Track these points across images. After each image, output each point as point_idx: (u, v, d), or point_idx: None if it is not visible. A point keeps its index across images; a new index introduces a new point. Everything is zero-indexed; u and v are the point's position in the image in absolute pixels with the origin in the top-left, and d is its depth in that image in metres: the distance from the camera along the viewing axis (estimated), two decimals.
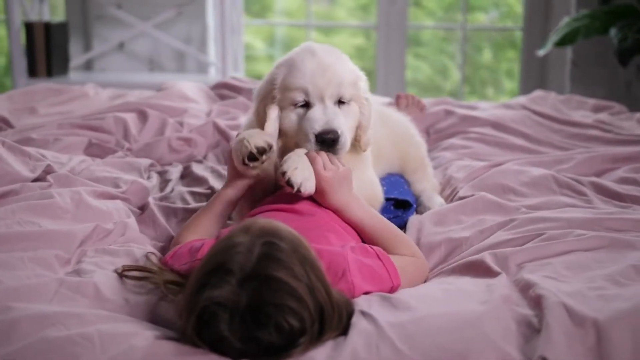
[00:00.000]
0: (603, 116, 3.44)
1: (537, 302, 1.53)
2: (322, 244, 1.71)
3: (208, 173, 2.64)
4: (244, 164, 1.90)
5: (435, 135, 3.23)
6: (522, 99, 3.75)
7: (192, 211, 2.24)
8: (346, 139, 1.98)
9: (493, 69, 6.44)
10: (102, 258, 1.80)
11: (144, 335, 1.42)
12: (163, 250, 2.03)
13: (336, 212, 1.92)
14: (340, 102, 2.01)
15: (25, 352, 1.35)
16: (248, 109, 3.26)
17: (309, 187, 1.87)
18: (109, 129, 2.87)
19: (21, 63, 5.18)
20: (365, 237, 1.93)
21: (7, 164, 2.13)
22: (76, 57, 5.61)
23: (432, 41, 6.44)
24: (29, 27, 5.17)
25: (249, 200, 2.07)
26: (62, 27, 5.37)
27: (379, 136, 2.25)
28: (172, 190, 2.48)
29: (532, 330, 1.46)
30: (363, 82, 2.09)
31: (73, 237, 1.84)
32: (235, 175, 1.99)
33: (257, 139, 1.91)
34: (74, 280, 1.63)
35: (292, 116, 2.01)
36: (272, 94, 2.03)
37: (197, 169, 2.69)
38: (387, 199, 2.29)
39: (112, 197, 2.18)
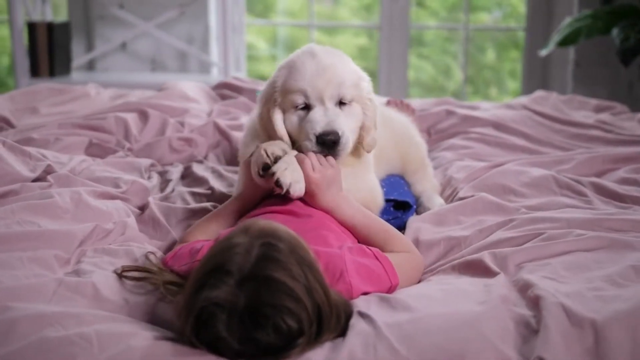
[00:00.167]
0: (604, 116, 3.44)
1: (535, 303, 1.53)
2: (320, 245, 1.71)
3: (208, 173, 2.64)
4: (260, 175, 1.91)
5: (436, 136, 3.23)
6: (523, 99, 3.75)
7: (193, 211, 2.24)
8: (347, 140, 1.98)
9: (496, 69, 6.44)
10: (102, 258, 1.81)
11: (142, 336, 1.42)
12: (163, 250, 2.03)
13: (327, 212, 1.92)
14: (341, 103, 2.00)
15: (23, 352, 1.35)
16: (249, 109, 3.27)
17: (297, 189, 1.87)
18: (110, 129, 2.87)
19: (24, 63, 5.19)
20: (358, 236, 1.93)
21: (7, 164, 2.13)
22: (78, 57, 5.61)
23: (435, 41, 6.44)
24: (32, 27, 5.18)
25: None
26: (65, 27, 5.37)
27: (380, 137, 2.24)
28: (173, 190, 2.48)
29: (530, 330, 1.46)
30: (366, 82, 2.08)
31: (72, 237, 1.84)
32: (250, 187, 2.01)
33: (275, 147, 1.93)
34: (72, 280, 1.63)
35: (294, 118, 2.01)
36: (274, 97, 2.04)
37: (198, 169, 2.69)
38: (387, 200, 2.29)
39: (112, 197, 2.19)
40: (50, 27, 5.19)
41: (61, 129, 2.82)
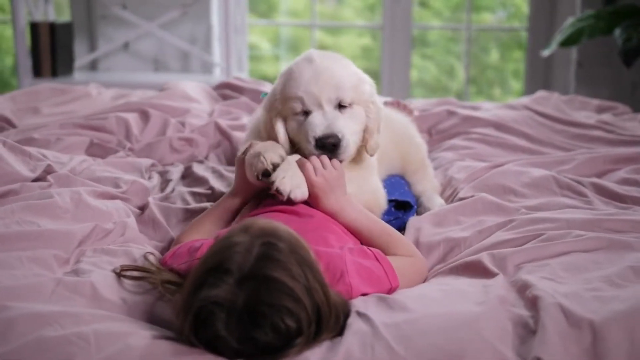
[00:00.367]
0: (606, 117, 3.43)
1: (533, 303, 1.53)
2: (321, 246, 1.71)
3: (209, 173, 2.64)
4: (258, 179, 1.91)
5: (437, 136, 3.23)
6: (525, 100, 3.75)
7: (193, 211, 2.24)
8: (348, 142, 1.98)
9: (500, 69, 6.44)
10: (101, 258, 1.80)
11: (140, 335, 1.43)
12: (162, 250, 2.03)
13: (331, 215, 1.92)
14: (342, 106, 2.00)
15: (21, 351, 1.35)
16: (250, 109, 3.27)
17: (299, 194, 1.87)
18: (111, 129, 2.87)
19: (26, 63, 5.19)
20: (361, 239, 1.93)
21: (7, 164, 2.13)
22: (81, 57, 5.62)
23: (439, 41, 6.44)
24: (34, 27, 5.18)
25: (254, 203, 2.08)
26: (67, 27, 5.38)
27: (381, 137, 2.24)
28: (173, 190, 2.48)
29: (528, 331, 1.46)
30: (368, 85, 2.08)
31: (72, 237, 1.84)
32: (244, 185, 2.01)
33: (272, 154, 1.93)
34: (71, 279, 1.63)
35: (294, 124, 2.02)
36: (275, 105, 2.05)
37: (198, 169, 2.69)
38: (388, 200, 2.28)
39: (112, 197, 2.19)
40: (52, 27, 5.19)
41: (62, 129, 2.82)
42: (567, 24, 4.57)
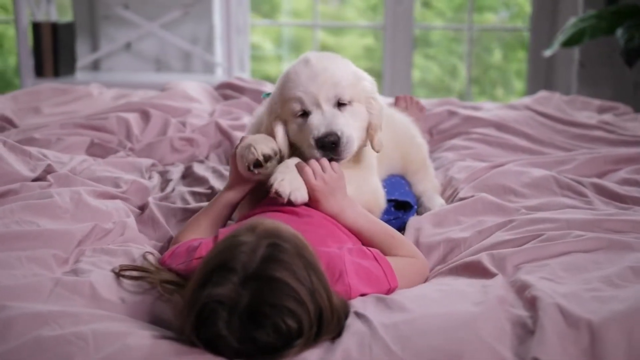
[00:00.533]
0: (607, 117, 3.43)
1: (532, 303, 1.53)
2: (320, 246, 1.71)
3: (209, 173, 2.65)
4: (249, 170, 1.91)
5: (438, 136, 3.23)
6: (526, 100, 3.74)
7: (192, 211, 2.24)
8: (349, 140, 1.97)
9: (503, 69, 6.43)
10: (100, 258, 1.81)
11: (139, 335, 1.43)
12: (162, 250, 2.03)
13: (332, 217, 1.92)
14: (341, 104, 1.99)
15: (19, 351, 1.36)
16: (251, 109, 3.27)
17: (299, 197, 1.87)
18: (112, 129, 2.88)
19: (28, 63, 5.20)
20: (362, 240, 1.92)
21: (7, 164, 2.14)
22: (83, 57, 5.63)
23: (442, 42, 6.44)
24: (37, 27, 5.19)
25: (248, 200, 2.08)
26: (70, 27, 5.39)
27: (382, 137, 2.24)
28: (173, 190, 2.48)
29: (526, 331, 1.45)
30: (368, 82, 2.08)
31: (71, 237, 1.84)
32: (238, 178, 2.00)
33: (263, 145, 1.93)
34: (70, 279, 1.63)
35: (294, 127, 2.01)
36: (274, 108, 2.05)
37: (199, 169, 2.70)
38: (388, 200, 2.28)
39: (112, 196, 2.19)
40: (55, 27, 5.20)
41: (63, 129, 2.83)
42: (569, 24, 4.57)
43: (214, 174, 2.65)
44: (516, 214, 2.14)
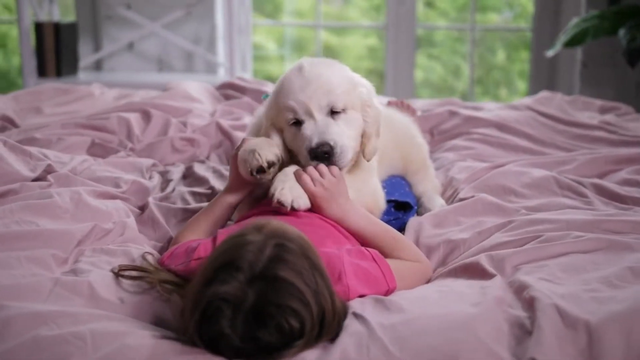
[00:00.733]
0: (609, 117, 3.42)
1: (530, 304, 1.53)
2: (319, 247, 1.70)
3: (210, 173, 2.65)
4: (251, 175, 1.91)
5: (439, 137, 3.22)
6: (527, 100, 3.74)
7: (192, 211, 2.24)
8: (343, 149, 1.93)
9: (507, 69, 6.42)
10: (100, 258, 1.81)
11: (137, 334, 1.43)
12: (161, 250, 2.03)
13: (335, 222, 1.91)
14: (335, 112, 1.96)
15: (17, 350, 1.36)
16: (253, 109, 3.27)
17: (302, 204, 1.86)
18: (113, 129, 2.88)
19: (31, 63, 5.21)
20: (365, 242, 1.91)
21: (7, 164, 2.14)
22: (86, 57, 5.63)
23: (445, 42, 6.43)
24: (39, 27, 5.20)
25: (248, 200, 2.08)
26: (72, 28, 5.39)
27: (381, 138, 2.23)
28: (173, 190, 2.48)
29: (524, 331, 1.45)
30: (364, 88, 2.04)
31: (71, 237, 1.84)
32: (238, 181, 2.00)
33: (267, 151, 1.91)
34: (69, 279, 1.63)
35: (289, 136, 1.99)
36: (270, 115, 2.03)
37: (199, 169, 2.70)
38: (388, 201, 2.28)
39: (112, 196, 2.19)
40: (57, 27, 5.21)
41: (64, 128, 2.83)
42: (572, 24, 4.56)
43: (215, 174, 2.65)
44: (516, 214, 2.14)
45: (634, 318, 1.40)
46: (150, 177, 2.56)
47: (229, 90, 3.68)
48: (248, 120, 3.15)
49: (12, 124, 3.04)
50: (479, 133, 3.11)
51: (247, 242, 1.44)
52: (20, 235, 1.78)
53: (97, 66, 5.79)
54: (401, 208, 2.37)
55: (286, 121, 1.98)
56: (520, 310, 1.53)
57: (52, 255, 1.76)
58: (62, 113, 3.29)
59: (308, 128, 1.94)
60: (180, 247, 1.82)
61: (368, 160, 2.07)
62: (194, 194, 2.44)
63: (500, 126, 3.17)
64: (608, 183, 2.40)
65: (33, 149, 2.34)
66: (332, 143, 1.91)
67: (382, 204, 2.18)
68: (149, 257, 1.83)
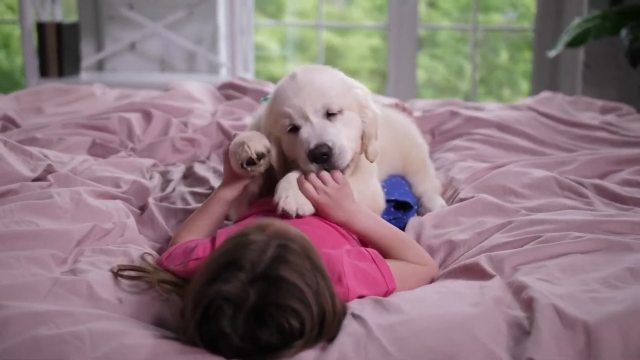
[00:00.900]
0: (610, 118, 3.42)
1: (528, 304, 1.53)
2: (318, 247, 1.70)
3: (210, 173, 2.65)
4: (242, 167, 1.91)
5: (439, 137, 3.22)
6: (528, 100, 3.73)
7: (192, 212, 2.24)
8: (342, 150, 1.91)
9: (510, 70, 6.41)
10: (99, 258, 1.81)
11: (136, 334, 1.43)
12: (161, 250, 2.03)
13: (342, 226, 1.91)
14: (331, 114, 1.94)
15: (15, 350, 1.36)
16: (253, 110, 3.26)
17: (307, 210, 1.87)
18: (113, 129, 2.88)
19: (33, 63, 5.21)
20: (372, 244, 1.91)
21: (7, 164, 2.14)
22: (88, 57, 5.63)
23: (448, 42, 6.42)
24: (41, 27, 5.20)
25: (245, 198, 2.08)
26: (74, 28, 5.39)
27: (381, 138, 2.23)
28: (173, 190, 2.48)
29: (522, 332, 1.45)
30: (360, 91, 2.03)
31: (70, 237, 1.85)
32: (231, 176, 1.99)
33: (256, 143, 1.90)
34: (68, 279, 1.63)
35: (287, 144, 1.99)
36: (268, 124, 2.02)
37: (200, 170, 2.70)
38: (388, 201, 2.28)
39: (112, 197, 2.19)
40: (59, 27, 5.21)
41: (65, 129, 2.84)
42: (574, 24, 4.55)
43: (215, 174, 2.65)
44: (516, 215, 2.14)
45: (633, 319, 1.40)
46: (151, 177, 2.56)
47: (229, 91, 3.68)
48: (249, 120, 3.15)
49: (14, 124, 3.05)
50: (479, 133, 3.11)
51: (250, 242, 1.45)
52: (20, 235, 1.79)
53: (100, 66, 5.79)
54: (401, 207, 2.37)
55: (283, 128, 1.96)
56: (518, 311, 1.53)
57: (52, 255, 1.76)
58: (63, 113, 3.29)
59: (305, 131, 1.92)
60: (178, 248, 1.82)
61: (371, 162, 2.07)
62: (194, 194, 2.44)
63: (501, 126, 3.17)
64: (609, 184, 2.39)
65: (33, 149, 2.34)
66: (330, 144, 1.89)
67: (382, 204, 2.18)
68: (148, 258, 1.83)
